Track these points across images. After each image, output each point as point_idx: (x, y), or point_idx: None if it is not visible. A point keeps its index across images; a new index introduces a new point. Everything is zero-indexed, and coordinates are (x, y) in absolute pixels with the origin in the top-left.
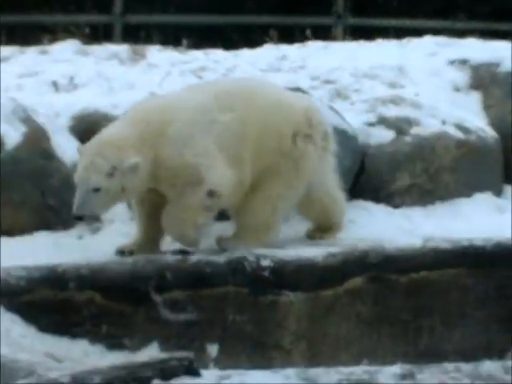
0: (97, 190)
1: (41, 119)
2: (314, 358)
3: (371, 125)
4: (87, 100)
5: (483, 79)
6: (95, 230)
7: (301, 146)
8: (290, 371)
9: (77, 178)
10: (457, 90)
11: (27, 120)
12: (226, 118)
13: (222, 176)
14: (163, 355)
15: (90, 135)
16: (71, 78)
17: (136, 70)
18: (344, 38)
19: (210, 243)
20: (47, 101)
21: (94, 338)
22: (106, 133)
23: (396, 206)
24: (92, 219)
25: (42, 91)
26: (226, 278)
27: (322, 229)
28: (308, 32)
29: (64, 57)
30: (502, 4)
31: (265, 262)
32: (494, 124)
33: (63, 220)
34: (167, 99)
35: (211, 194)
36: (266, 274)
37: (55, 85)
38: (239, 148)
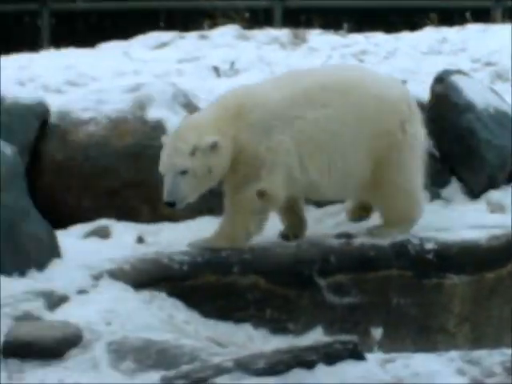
0: (183, 172)
1: (201, 104)
2: (478, 341)
3: None
4: None
5: None
6: None
7: (408, 129)
8: (454, 354)
9: (162, 165)
10: None
11: (188, 105)
12: (316, 114)
13: (281, 177)
14: (327, 339)
15: None
16: (232, 63)
17: (297, 54)
18: (503, 21)
19: None
20: (208, 86)
21: (258, 322)
22: (186, 119)
23: None
24: (184, 205)
25: (202, 76)
26: (390, 261)
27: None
28: (467, 15)
29: (224, 41)
30: None
31: (429, 245)
32: None
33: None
34: (256, 87)
35: (261, 194)
36: (430, 256)
37: (216, 70)
38: (327, 145)
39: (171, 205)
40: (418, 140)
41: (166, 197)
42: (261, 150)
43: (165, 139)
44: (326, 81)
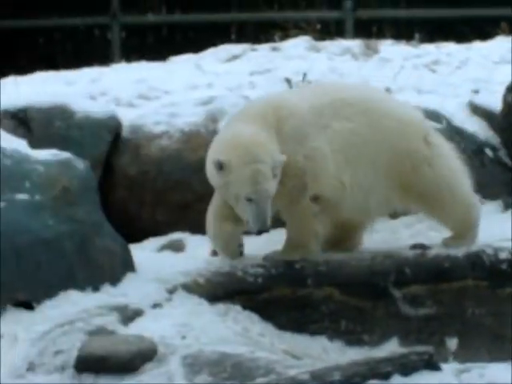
0: (270, 196)
1: None
2: None
3: None
4: None
5: None
6: None
7: (433, 141)
8: None
9: (254, 192)
10: None
11: None
12: (342, 126)
13: (326, 181)
14: (403, 350)
15: None
16: (304, 75)
17: (369, 64)
18: None
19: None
20: None
21: (333, 334)
22: (242, 136)
23: None
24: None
25: (274, 88)
26: (465, 272)
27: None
28: None
29: (296, 53)
30: None
31: (503, 255)
32: None
33: None
34: (282, 97)
35: (315, 199)
36: (504, 266)
37: (288, 82)
38: (352, 158)
39: (265, 231)
40: (446, 149)
41: (261, 225)
42: (299, 160)
43: (227, 162)
44: (350, 96)
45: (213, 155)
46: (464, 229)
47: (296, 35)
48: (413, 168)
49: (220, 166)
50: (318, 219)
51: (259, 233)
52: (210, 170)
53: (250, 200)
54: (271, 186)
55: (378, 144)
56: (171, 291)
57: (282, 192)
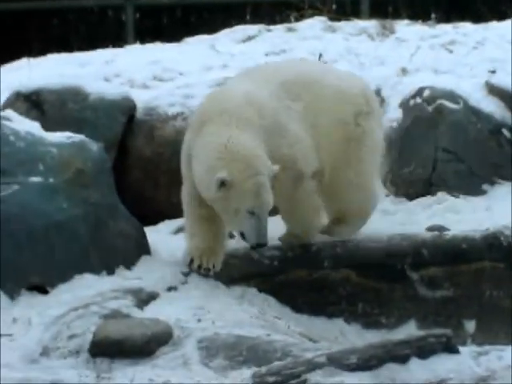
0: (270, 208)
1: None
2: None
3: None
4: None
5: None
6: None
7: (363, 123)
8: None
9: (257, 205)
10: None
11: None
12: (298, 106)
13: (313, 154)
14: (420, 332)
15: None
16: (320, 55)
17: (385, 45)
18: None
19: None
20: None
21: (350, 316)
22: (239, 147)
23: None
24: None
25: None
26: (482, 254)
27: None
28: None
29: (312, 34)
30: None
31: None
32: None
33: None
34: (248, 91)
35: (313, 175)
36: None
37: None
38: (315, 138)
39: (261, 246)
40: (375, 138)
41: (261, 239)
42: (286, 152)
43: (231, 177)
44: (292, 75)
45: (207, 168)
46: (353, 217)
47: (311, 16)
48: (345, 140)
49: (221, 184)
50: (317, 194)
51: (256, 247)
52: (205, 182)
53: (251, 213)
54: (271, 197)
55: (324, 115)
56: (186, 274)
57: (280, 187)
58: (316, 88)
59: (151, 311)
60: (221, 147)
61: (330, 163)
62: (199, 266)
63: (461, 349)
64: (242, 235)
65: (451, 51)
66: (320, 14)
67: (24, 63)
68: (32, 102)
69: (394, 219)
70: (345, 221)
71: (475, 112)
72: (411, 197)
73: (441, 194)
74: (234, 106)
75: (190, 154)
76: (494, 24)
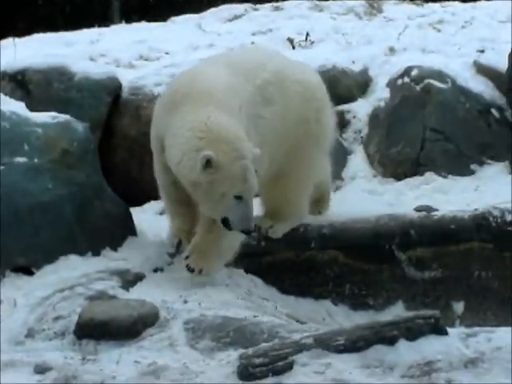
0: (255, 193)
1: None
2: None
3: None
4: (324, 56)
5: None
6: (337, 188)
7: (323, 119)
8: None
9: (245, 189)
10: None
11: None
12: (268, 113)
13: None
14: (408, 314)
15: (328, 92)
16: (307, 34)
17: (373, 24)
18: None
19: None
20: None
21: (338, 298)
22: (223, 129)
23: None
24: None
25: (277, 48)
26: (471, 234)
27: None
28: None
29: (299, 13)
30: None
31: (509, 217)
32: None
33: None
34: (206, 74)
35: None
36: (511, 228)
37: (291, 42)
38: (275, 143)
39: (248, 233)
40: (329, 131)
41: (248, 224)
42: (252, 135)
43: (220, 160)
44: (267, 74)
45: (188, 148)
46: (290, 215)
47: None
48: (305, 138)
49: (207, 163)
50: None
51: (244, 233)
52: (187, 163)
53: (239, 198)
54: (256, 181)
55: (291, 117)
56: (172, 255)
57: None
58: (285, 87)
59: (137, 292)
60: (201, 126)
61: (283, 162)
62: (192, 270)
63: (449, 330)
64: (225, 221)
65: (439, 30)
66: None
67: (9, 43)
68: (17, 82)
69: (381, 200)
70: (280, 218)
71: (463, 91)
72: (399, 177)
73: (429, 175)
74: (215, 88)
75: (161, 137)
76: (482, 3)
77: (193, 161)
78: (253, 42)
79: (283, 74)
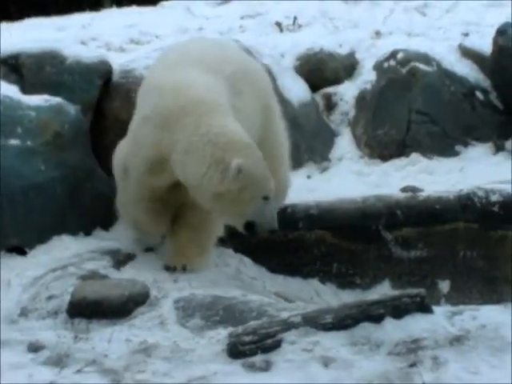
0: None
1: (265, 60)
2: None
3: None
4: (312, 40)
5: None
6: (324, 169)
7: (273, 104)
8: None
9: (272, 189)
10: None
11: None
12: (240, 103)
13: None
14: (395, 292)
15: (315, 75)
16: (295, 18)
17: (359, 8)
18: None
19: None
20: (271, 42)
21: (325, 277)
22: (237, 133)
23: None
24: None
25: (265, 32)
26: (456, 214)
27: None
28: None
29: None
30: None
31: (494, 197)
32: None
33: (294, 161)
34: (198, 80)
35: None
36: (496, 209)
37: (279, 25)
38: (252, 133)
39: (274, 231)
40: (280, 118)
41: (275, 223)
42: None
43: (245, 165)
44: (234, 66)
45: (215, 160)
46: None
47: None
48: (267, 123)
49: (239, 171)
50: None
51: (271, 232)
52: (214, 177)
53: (266, 198)
54: None
55: (256, 106)
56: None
57: None
58: (251, 76)
59: (128, 272)
60: (219, 136)
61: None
62: (174, 268)
63: (435, 309)
64: (249, 225)
65: (425, 14)
66: None
67: (2, 27)
68: (10, 66)
69: (368, 180)
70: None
71: (449, 74)
72: (385, 158)
73: (414, 156)
74: (204, 93)
75: (153, 156)
76: None
77: (220, 172)
78: (241, 26)
79: (245, 64)
